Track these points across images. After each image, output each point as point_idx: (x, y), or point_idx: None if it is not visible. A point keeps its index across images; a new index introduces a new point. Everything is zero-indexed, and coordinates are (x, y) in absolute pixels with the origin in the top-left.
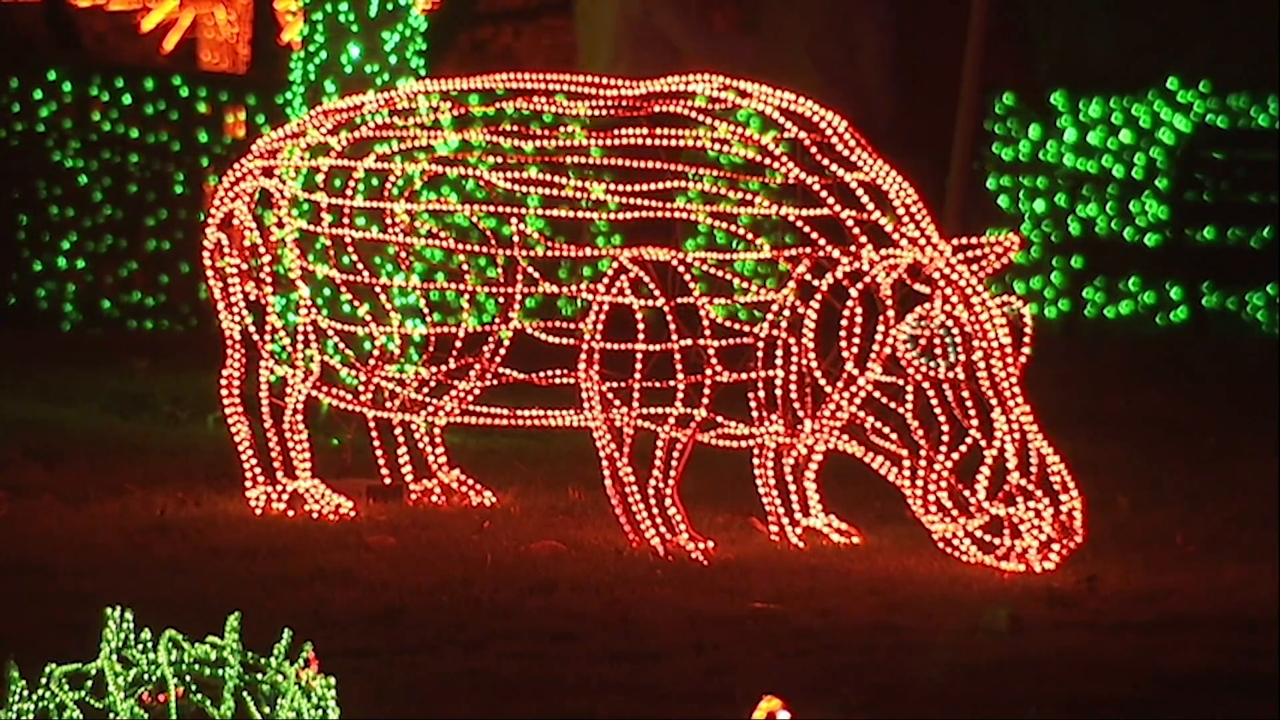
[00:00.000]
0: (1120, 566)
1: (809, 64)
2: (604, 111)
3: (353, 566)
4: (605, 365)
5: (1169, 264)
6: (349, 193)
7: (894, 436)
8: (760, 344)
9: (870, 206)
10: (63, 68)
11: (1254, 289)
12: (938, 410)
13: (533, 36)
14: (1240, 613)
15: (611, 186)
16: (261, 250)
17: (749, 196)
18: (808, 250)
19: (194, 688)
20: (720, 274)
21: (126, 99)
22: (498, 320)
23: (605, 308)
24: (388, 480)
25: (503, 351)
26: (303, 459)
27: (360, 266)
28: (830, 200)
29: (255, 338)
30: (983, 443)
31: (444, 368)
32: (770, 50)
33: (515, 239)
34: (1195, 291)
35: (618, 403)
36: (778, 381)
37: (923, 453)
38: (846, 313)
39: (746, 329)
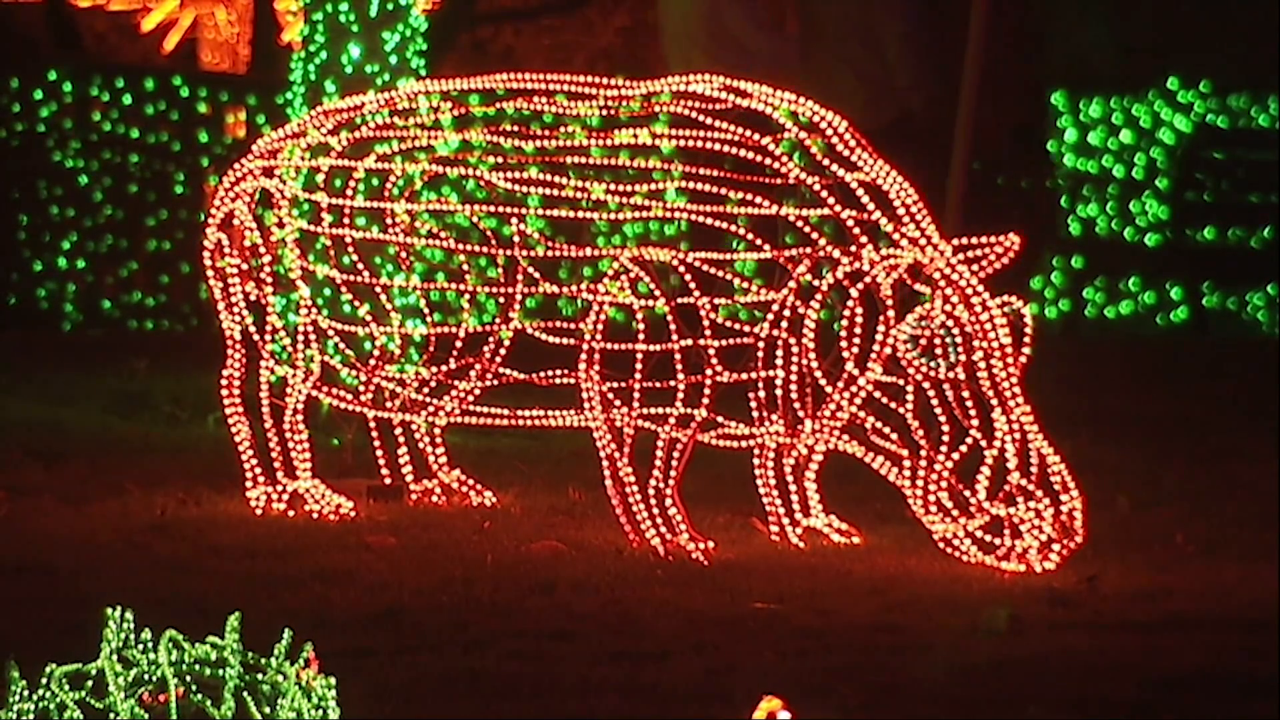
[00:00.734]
0: (1120, 566)
1: (848, 69)
2: (605, 112)
3: (353, 566)
4: (605, 365)
5: (1169, 264)
6: (349, 193)
7: (894, 436)
8: (760, 344)
9: (870, 206)
10: (63, 68)
11: (1254, 289)
12: (938, 410)
13: (533, 36)
14: (1240, 613)
15: (611, 186)
16: (262, 250)
17: (749, 196)
18: (808, 250)
19: (194, 688)
20: (720, 274)
21: (127, 99)
22: (498, 320)
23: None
24: (388, 480)
25: (503, 352)
26: (303, 459)
27: (361, 266)
28: (830, 200)
29: (256, 338)
30: (983, 443)
31: (444, 368)
32: (826, 52)
33: (516, 239)
34: (1195, 291)
35: (618, 403)
36: (778, 382)
37: (923, 453)
38: (847, 313)
39: (747, 329)
